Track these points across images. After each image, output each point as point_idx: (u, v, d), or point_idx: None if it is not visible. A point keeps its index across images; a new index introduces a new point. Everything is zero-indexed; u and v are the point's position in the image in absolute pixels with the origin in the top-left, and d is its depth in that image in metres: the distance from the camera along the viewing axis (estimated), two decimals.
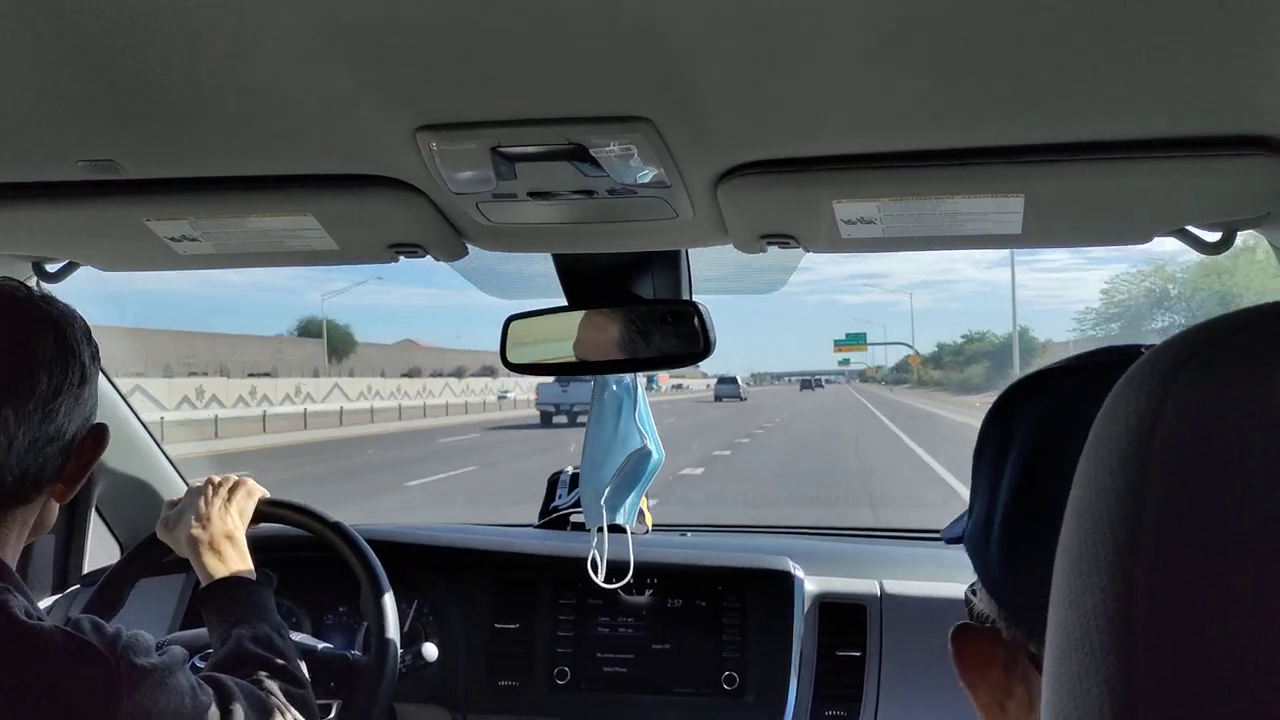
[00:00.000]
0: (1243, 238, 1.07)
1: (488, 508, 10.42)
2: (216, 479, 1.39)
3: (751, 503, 10.76)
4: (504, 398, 51.55)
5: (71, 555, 1.76)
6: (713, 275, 1.46)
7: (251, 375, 41.60)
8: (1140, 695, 0.28)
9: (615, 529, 1.62)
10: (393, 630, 1.40)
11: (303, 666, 1.17)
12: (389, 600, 1.42)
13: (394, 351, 70.42)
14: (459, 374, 66.25)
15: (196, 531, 1.29)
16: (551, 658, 1.61)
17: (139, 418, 1.78)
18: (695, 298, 1.39)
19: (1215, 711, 0.28)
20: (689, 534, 1.94)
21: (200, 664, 1.18)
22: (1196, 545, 0.29)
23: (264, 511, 1.41)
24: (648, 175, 0.92)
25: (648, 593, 1.62)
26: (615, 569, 1.58)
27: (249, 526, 1.37)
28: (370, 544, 1.46)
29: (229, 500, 1.36)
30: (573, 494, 1.98)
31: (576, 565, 1.59)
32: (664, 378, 63.31)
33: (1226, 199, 0.97)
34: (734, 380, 55.62)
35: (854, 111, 0.82)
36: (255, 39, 0.69)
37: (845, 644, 1.54)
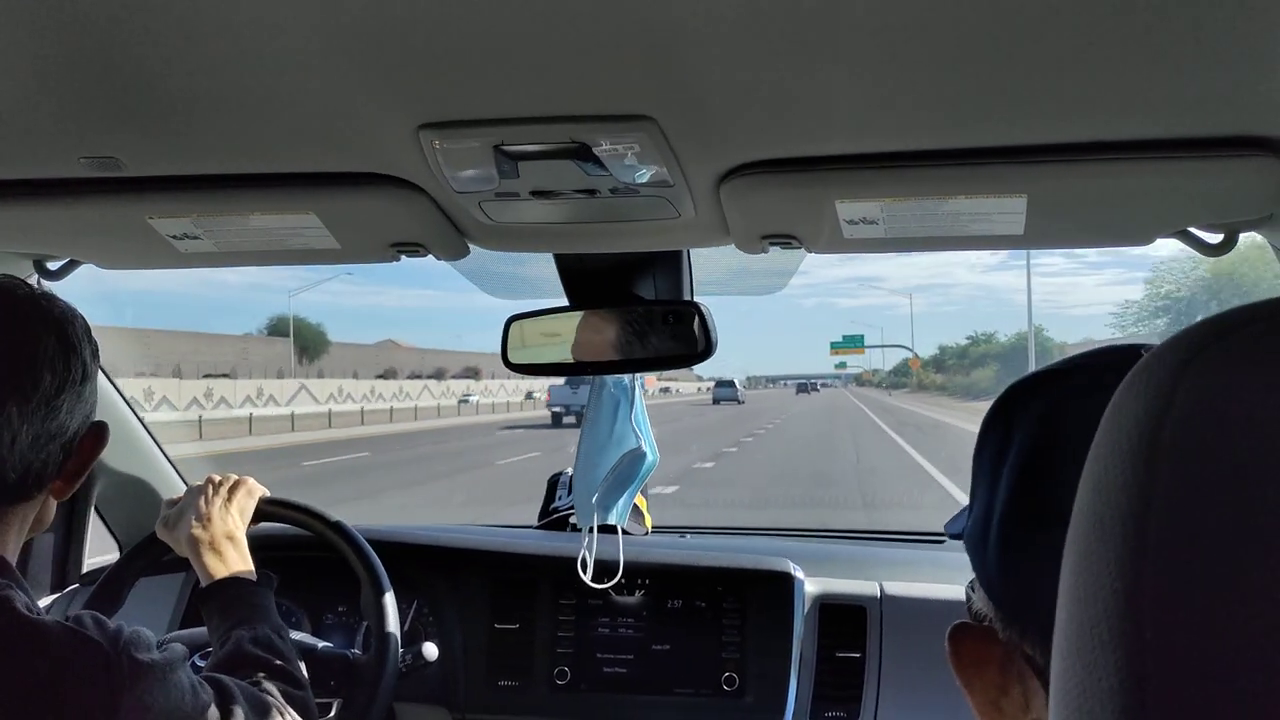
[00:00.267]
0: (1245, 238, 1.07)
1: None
2: (217, 478, 1.39)
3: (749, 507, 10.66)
4: (465, 401, 50.14)
5: (70, 554, 1.76)
6: (712, 277, 1.46)
7: (208, 376, 40.44)
8: (1150, 687, 0.28)
9: (610, 529, 1.62)
10: (393, 629, 1.40)
11: (302, 668, 1.17)
12: (389, 599, 1.41)
13: (373, 352, 69.05)
14: (439, 375, 64.77)
15: (197, 531, 1.29)
16: (551, 658, 1.61)
17: (139, 417, 1.78)
18: (696, 299, 1.39)
19: (1226, 703, 0.27)
20: (688, 535, 1.94)
21: (199, 663, 1.18)
22: (1206, 536, 0.29)
23: (264, 511, 1.41)
24: (650, 174, 0.92)
25: (648, 593, 1.62)
26: (608, 569, 1.58)
27: (249, 526, 1.36)
28: (370, 544, 1.46)
29: (229, 499, 1.35)
30: (573, 495, 1.98)
31: (574, 566, 1.59)
32: (650, 380, 60.91)
33: (1228, 200, 0.97)
34: (731, 383, 55.69)
35: (858, 111, 0.82)
36: (259, 37, 0.69)
37: (845, 645, 1.54)
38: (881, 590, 1.58)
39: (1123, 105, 0.79)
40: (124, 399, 1.74)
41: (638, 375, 1.56)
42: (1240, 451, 0.29)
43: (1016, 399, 0.51)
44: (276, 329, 58.77)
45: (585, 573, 1.56)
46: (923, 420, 30.42)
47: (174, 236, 1.13)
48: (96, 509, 1.77)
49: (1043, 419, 0.48)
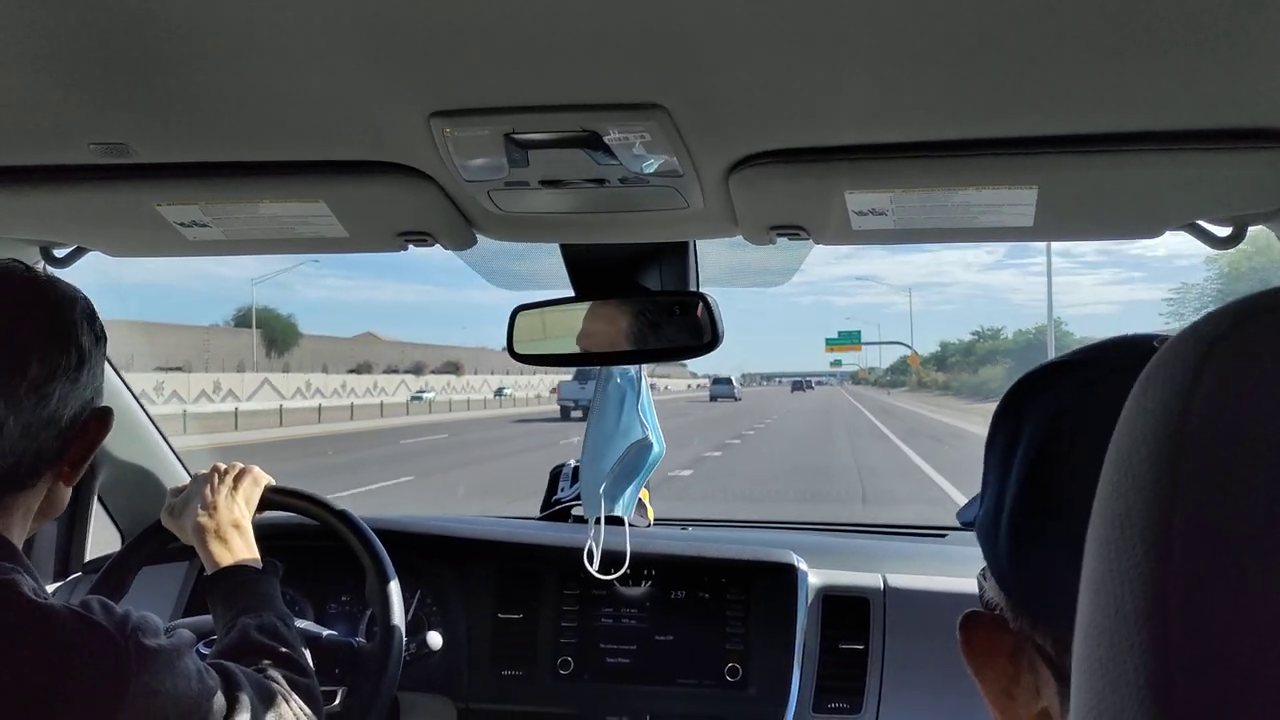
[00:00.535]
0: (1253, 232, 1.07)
1: None
2: (222, 466, 1.39)
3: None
4: (418, 398, 48.35)
5: (74, 543, 1.76)
6: (717, 270, 1.46)
7: (160, 369, 38.98)
8: (1176, 673, 0.28)
9: (614, 520, 1.62)
10: (398, 617, 1.40)
11: (307, 655, 1.17)
12: (394, 588, 1.42)
13: (349, 345, 66.98)
14: (418, 370, 62.86)
15: (203, 519, 1.29)
16: (555, 648, 1.61)
17: (142, 406, 1.78)
18: (702, 289, 1.39)
19: (1252, 690, 0.27)
20: (690, 528, 1.94)
21: (204, 651, 1.18)
22: (1232, 523, 0.28)
23: (270, 499, 1.41)
24: (660, 164, 0.92)
25: (651, 584, 1.62)
26: (614, 560, 1.59)
27: (255, 514, 1.37)
28: (375, 533, 1.46)
29: (235, 488, 1.35)
30: (574, 487, 1.99)
31: (579, 556, 1.59)
32: None
33: (1238, 192, 0.98)
34: (729, 381, 55.72)
35: (868, 101, 0.82)
36: (271, 24, 0.69)
37: (848, 637, 1.55)
38: (885, 582, 1.58)
39: (1133, 97, 0.79)
40: (128, 387, 1.74)
41: (641, 366, 1.57)
42: (1266, 439, 0.29)
43: (1027, 390, 0.51)
44: (243, 320, 56.11)
45: (592, 564, 1.57)
46: (936, 427, 24.90)
47: (182, 224, 1.13)
48: (99, 498, 1.77)
49: (1053, 410, 0.48)
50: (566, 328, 1.38)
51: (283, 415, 31.60)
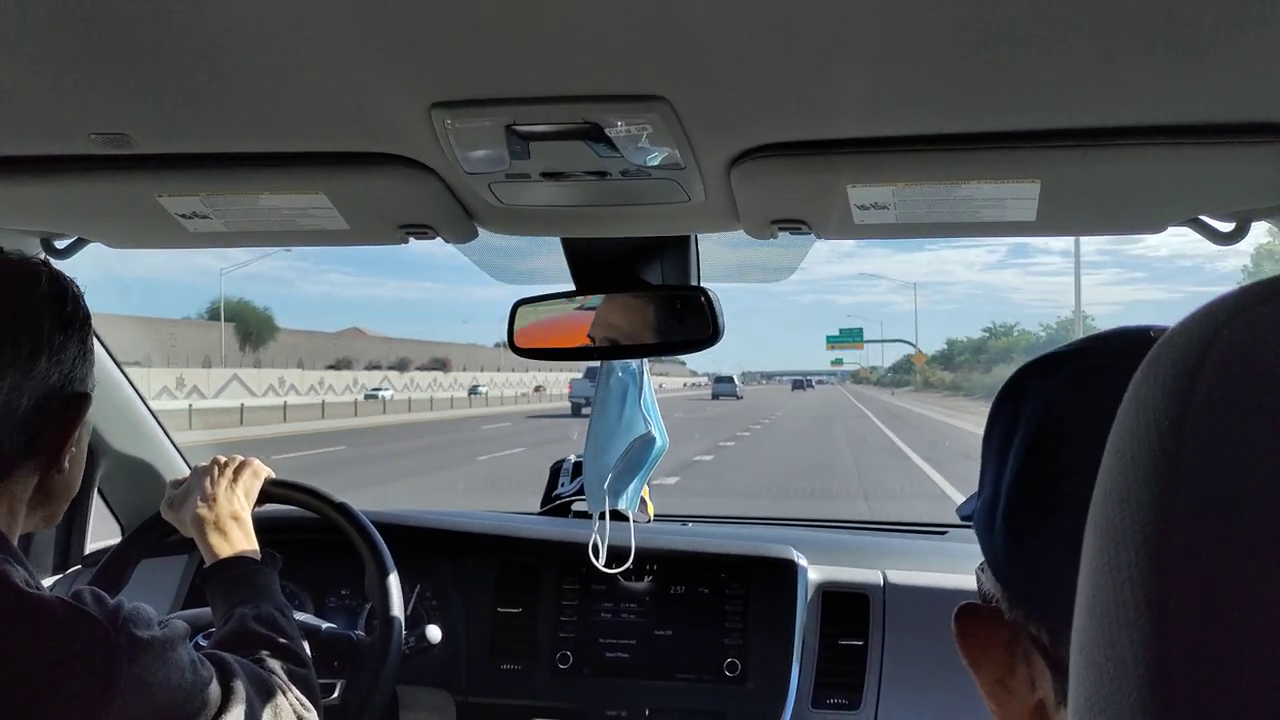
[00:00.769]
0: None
1: None
2: (222, 459, 1.39)
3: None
4: (373, 396, 46.32)
5: (73, 536, 1.76)
6: (717, 265, 1.45)
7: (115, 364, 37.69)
8: (1177, 660, 0.28)
9: (617, 515, 1.62)
10: (398, 611, 1.40)
11: (306, 646, 1.17)
12: (394, 581, 1.42)
13: (332, 340, 64.43)
14: (402, 366, 60.61)
15: (203, 511, 1.29)
16: (554, 642, 1.61)
17: (142, 398, 1.78)
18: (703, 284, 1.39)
19: (1255, 675, 0.27)
20: (690, 524, 1.94)
21: (202, 643, 1.18)
22: (1235, 506, 0.28)
23: (270, 492, 1.41)
24: (662, 156, 0.92)
25: (651, 579, 1.62)
26: (617, 555, 1.59)
27: (254, 507, 1.36)
28: (375, 527, 1.46)
29: (235, 480, 1.35)
30: (575, 482, 1.99)
31: (579, 551, 1.59)
32: None
33: (1240, 187, 0.97)
34: (731, 379, 55.86)
35: (871, 95, 0.81)
36: (271, 14, 0.68)
37: (848, 633, 1.55)
38: (884, 578, 1.58)
39: (1136, 91, 0.79)
40: (128, 380, 1.74)
41: (643, 361, 1.56)
42: (1269, 425, 0.29)
43: (1026, 381, 0.51)
44: (217, 313, 52.49)
45: (598, 559, 1.57)
46: (963, 439, 19.37)
47: (183, 215, 1.13)
48: (99, 491, 1.77)
49: (1050, 401, 0.48)
50: (567, 322, 1.38)
51: (243, 415, 28.96)
